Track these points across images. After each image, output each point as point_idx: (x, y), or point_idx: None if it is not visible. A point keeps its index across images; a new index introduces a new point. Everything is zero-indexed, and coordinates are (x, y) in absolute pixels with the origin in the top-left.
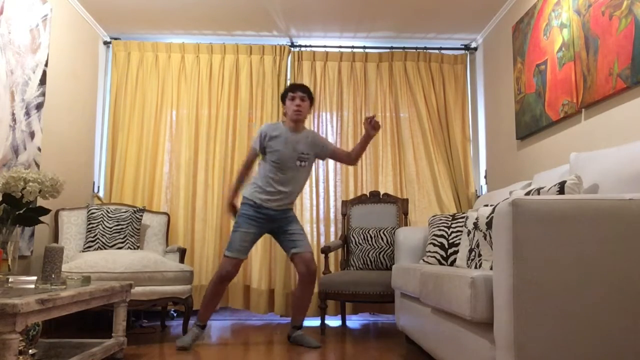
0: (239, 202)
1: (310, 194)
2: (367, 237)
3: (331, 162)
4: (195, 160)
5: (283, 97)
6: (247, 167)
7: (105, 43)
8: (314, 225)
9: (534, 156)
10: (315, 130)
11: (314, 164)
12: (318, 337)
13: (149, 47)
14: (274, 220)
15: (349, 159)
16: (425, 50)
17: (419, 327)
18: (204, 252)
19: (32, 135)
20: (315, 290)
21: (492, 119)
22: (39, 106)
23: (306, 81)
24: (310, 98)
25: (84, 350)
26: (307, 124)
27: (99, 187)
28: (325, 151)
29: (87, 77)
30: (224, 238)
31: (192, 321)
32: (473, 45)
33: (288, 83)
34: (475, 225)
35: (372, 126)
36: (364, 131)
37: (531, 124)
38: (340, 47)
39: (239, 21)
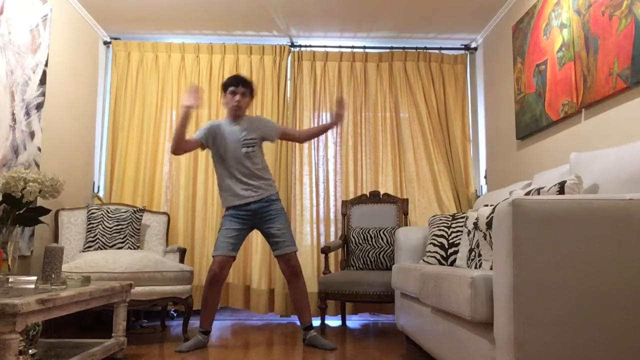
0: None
1: (310, 194)
2: (367, 237)
3: (331, 162)
4: (195, 160)
5: (224, 87)
6: (185, 138)
7: (105, 43)
8: (314, 225)
9: (534, 156)
10: None
11: (314, 164)
12: None
13: (149, 47)
14: (255, 215)
15: (299, 137)
16: (425, 50)
17: (419, 327)
18: (204, 252)
19: (32, 135)
20: (315, 290)
21: (492, 119)
22: (39, 106)
23: (306, 81)
24: (252, 93)
25: (84, 350)
26: (307, 124)
27: (99, 187)
28: (272, 132)
29: (87, 77)
30: None
31: (192, 320)
32: (473, 45)
33: (288, 83)
34: (475, 225)
35: (337, 116)
36: (363, 129)
37: (531, 124)
38: (340, 47)
39: (239, 21)
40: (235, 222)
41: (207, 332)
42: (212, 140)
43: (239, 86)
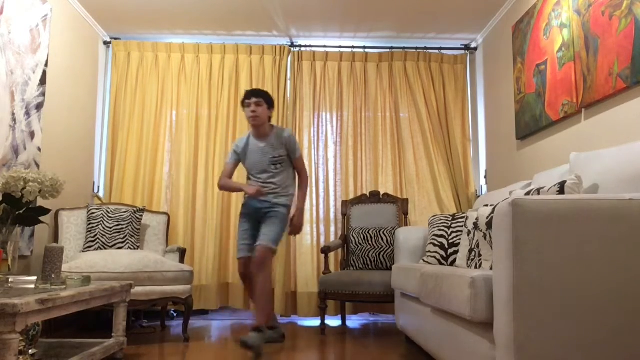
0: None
1: (310, 194)
2: (367, 237)
3: (331, 161)
4: (195, 160)
5: (242, 104)
6: (229, 177)
7: (105, 43)
8: (314, 225)
9: (534, 156)
10: (315, 130)
11: (314, 164)
12: (318, 337)
13: (149, 47)
14: (257, 212)
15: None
16: (425, 50)
17: (419, 327)
18: (204, 252)
19: (32, 135)
20: (315, 290)
21: (492, 119)
22: (39, 106)
23: (306, 81)
24: (268, 101)
25: (84, 350)
26: (307, 123)
27: (99, 187)
28: (292, 156)
29: (87, 77)
30: (224, 238)
31: (192, 320)
32: (473, 45)
33: (288, 83)
34: (475, 225)
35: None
36: (363, 129)
37: (531, 124)
38: (340, 47)
39: (239, 21)
40: (244, 222)
41: (272, 328)
42: (243, 156)
43: (251, 98)
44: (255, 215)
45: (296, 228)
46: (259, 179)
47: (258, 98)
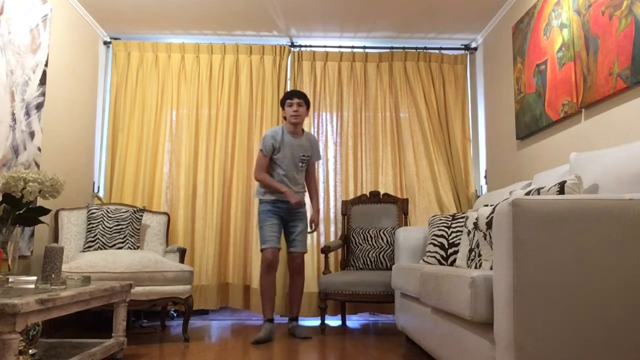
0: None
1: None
2: (367, 237)
3: (331, 161)
4: (195, 160)
5: (282, 103)
6: (266, 170)
7: (105, 43)
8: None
9: (534, 156)
10: (315, 130)
11: (320, 165)
12: (318, 337)
13: (149, 47)
14: (289, 212)
15: (307, 179)
16: (425, 50)
17: (419, 327)
18: (204, 252)
19: (32, 135)
20: (315, 290)
21: (492, 119)
22: (39, 106)
23: (306, 81)
24: (307, 103)
25: (84, 350)
26: (306, 123)
27: (99, 187)
28: (314, 159)
29: (87, 77)
30: (224, 238)
31: (192, 320)
32: (473, 45)
33: (288, 83)
34: (475, 225)
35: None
36: (363, 129)
37: (531, 124)
38: (340, 47)
39: (239, 21)
40: (275, 218)
41: (271, 321)
42: (277, 150)
43: (294, 98)
44: (284, 213)
45: (317, 227)
46: (287, 174)
47: (300, 99)
